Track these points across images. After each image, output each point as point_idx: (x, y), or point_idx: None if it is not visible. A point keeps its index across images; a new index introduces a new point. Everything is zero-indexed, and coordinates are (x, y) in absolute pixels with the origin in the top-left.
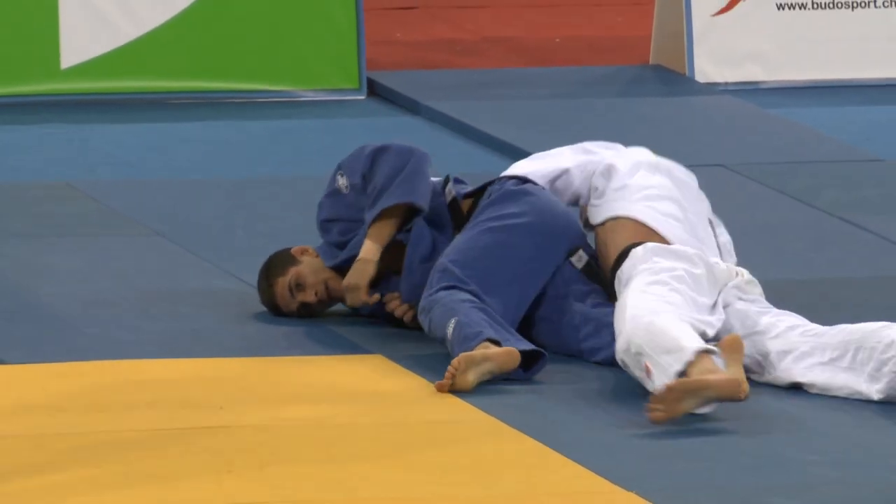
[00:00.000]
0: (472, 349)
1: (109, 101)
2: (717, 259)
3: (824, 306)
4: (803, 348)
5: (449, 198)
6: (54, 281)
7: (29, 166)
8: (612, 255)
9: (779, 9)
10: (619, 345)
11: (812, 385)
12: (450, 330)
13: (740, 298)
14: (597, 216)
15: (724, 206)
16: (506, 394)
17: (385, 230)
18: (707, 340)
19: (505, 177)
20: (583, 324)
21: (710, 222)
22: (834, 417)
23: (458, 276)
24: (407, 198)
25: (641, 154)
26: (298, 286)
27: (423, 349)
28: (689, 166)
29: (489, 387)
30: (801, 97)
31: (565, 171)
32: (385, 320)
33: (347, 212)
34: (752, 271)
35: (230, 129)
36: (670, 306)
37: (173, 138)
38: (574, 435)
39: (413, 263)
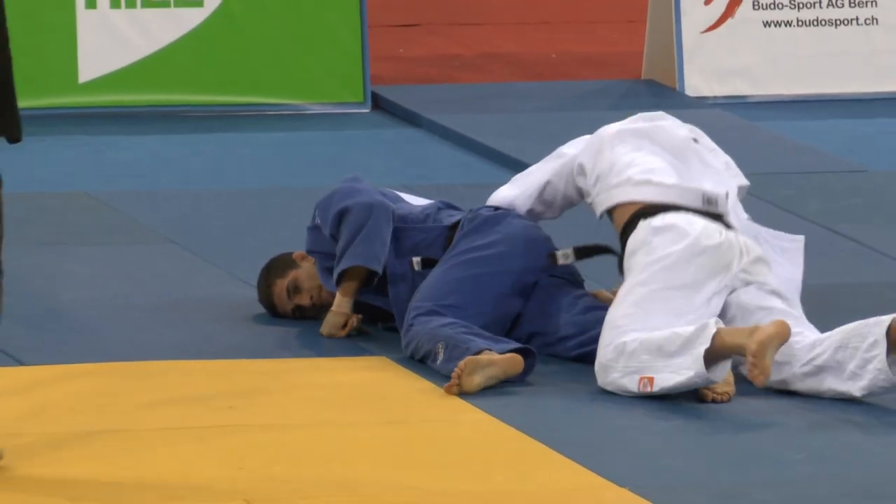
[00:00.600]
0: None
1: (125, 113)
2: (723, 227)
3: (809, 314)
4: (799, 357)
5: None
6: (74, 286)
7: (49, 177)
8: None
9: (765, 26)
10: (599, 363)
11: (797, 391)
12: (440, 353)
13: (747, 282)
14: (598, 212)
15: None
16: (505, 394)
17: (351, 286)
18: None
19: (480, 207)
20: (574, 333)
21: (696, 141)
22: (816, 415)
23: (433, 307)
24: (361, 261)
25: (605, 132)
26: (296, 289)
27: None
28: None
29: (489, 386)
30: (787, 110)
31: (547, 183)
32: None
33: (328, 247)
34: None
35: (241, 140)
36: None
37: (186, 150)
38: (569, 433)
39: (399, 298)
